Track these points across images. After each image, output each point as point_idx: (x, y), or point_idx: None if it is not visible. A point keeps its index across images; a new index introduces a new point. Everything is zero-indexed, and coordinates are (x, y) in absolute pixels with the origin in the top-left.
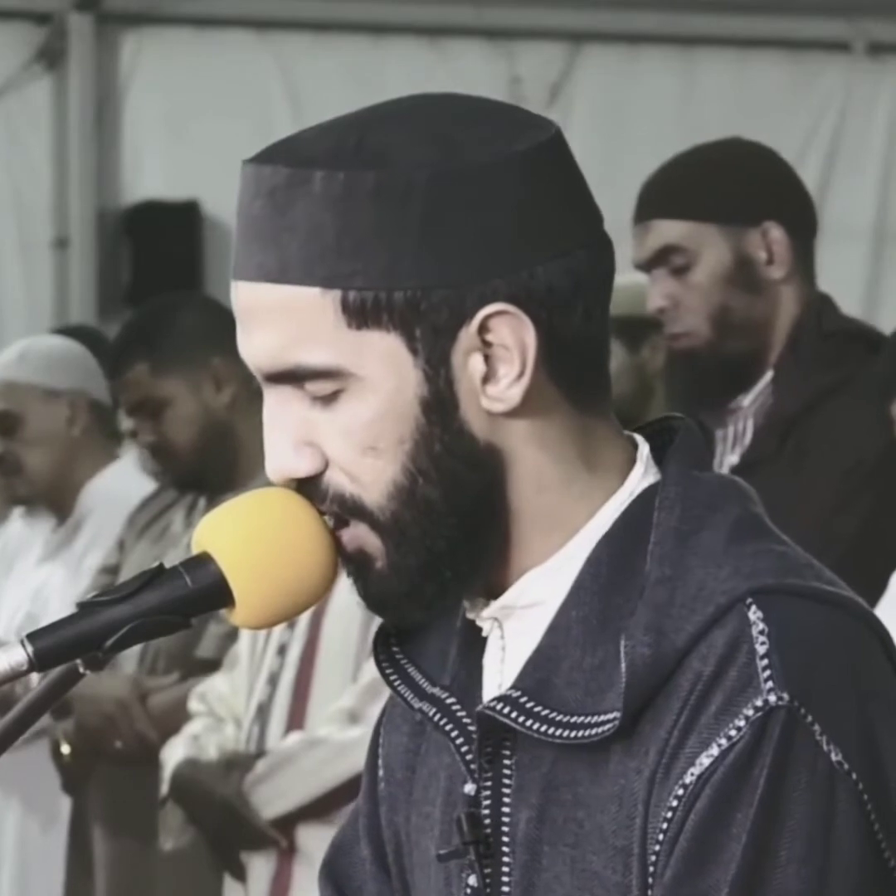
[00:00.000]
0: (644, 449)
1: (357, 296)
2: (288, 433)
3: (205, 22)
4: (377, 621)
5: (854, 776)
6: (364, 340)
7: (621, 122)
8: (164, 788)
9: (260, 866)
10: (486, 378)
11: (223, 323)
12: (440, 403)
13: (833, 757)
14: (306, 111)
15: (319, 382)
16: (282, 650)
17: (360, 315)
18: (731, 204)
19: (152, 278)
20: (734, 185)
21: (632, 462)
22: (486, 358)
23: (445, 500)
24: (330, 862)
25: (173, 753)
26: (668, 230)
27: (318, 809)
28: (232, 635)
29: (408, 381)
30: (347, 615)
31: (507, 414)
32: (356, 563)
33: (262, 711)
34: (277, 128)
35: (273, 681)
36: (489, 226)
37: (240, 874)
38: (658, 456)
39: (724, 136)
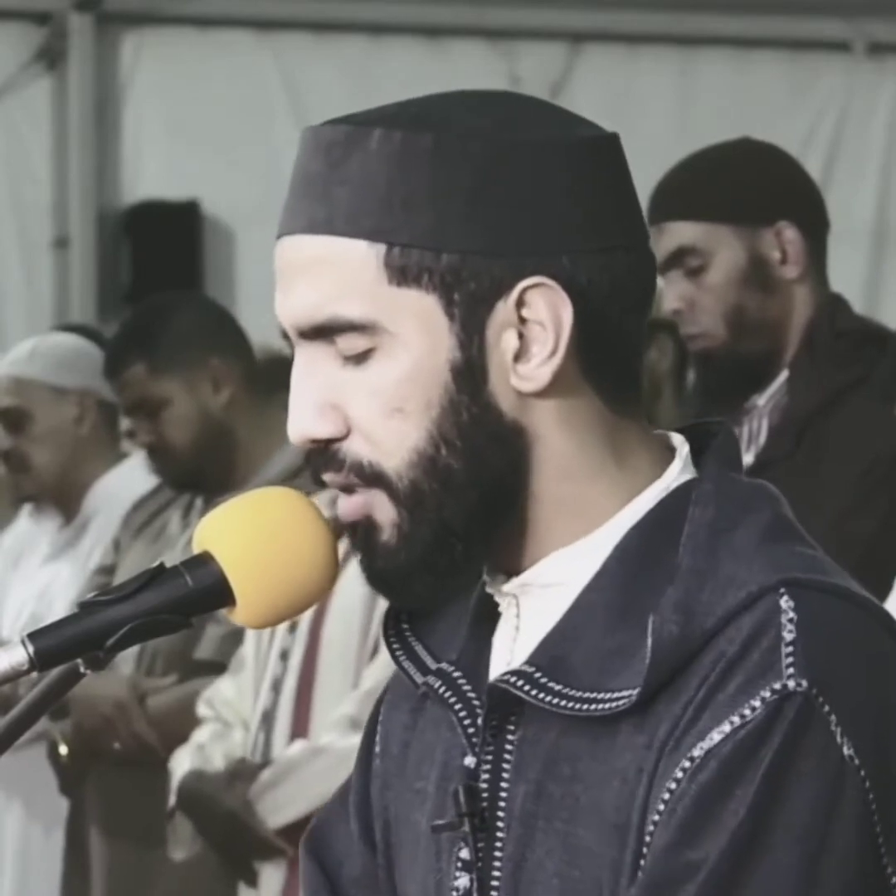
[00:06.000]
0: (684, 448)
1: (401, 252)
2: (313, 394)
3: (205, 22)
4: (377, 621)
5: (863, 773)
6: (402, 298)
7: (621, 122)
8: (172, 800)
9: (271, 874)
10: (518, 355)
11: (221, 323)
12: (471, 372)
13: (845, 750)
14: (306, 111)
15: (352, 337)
16: (284, 655)
17: (401, 272)
18: (744, 204)
19: (152, 278)
20: (747, 185)
21: (664, 464)
22: (520, 336)
23: (467, 472)
24: (313, 836)
25: (180, 764)
26: (683, 232)
27: None
28: (231, 637)
29: (441, 344)
30: (347, 618)
31: (535, 395)
32: (362, 532)
33: (267, 719)
34: (277, 128)
35: (276, 687)
36: (537, 204)
37: (252, 880)
38: (694, 458)
39: (723, 137)
